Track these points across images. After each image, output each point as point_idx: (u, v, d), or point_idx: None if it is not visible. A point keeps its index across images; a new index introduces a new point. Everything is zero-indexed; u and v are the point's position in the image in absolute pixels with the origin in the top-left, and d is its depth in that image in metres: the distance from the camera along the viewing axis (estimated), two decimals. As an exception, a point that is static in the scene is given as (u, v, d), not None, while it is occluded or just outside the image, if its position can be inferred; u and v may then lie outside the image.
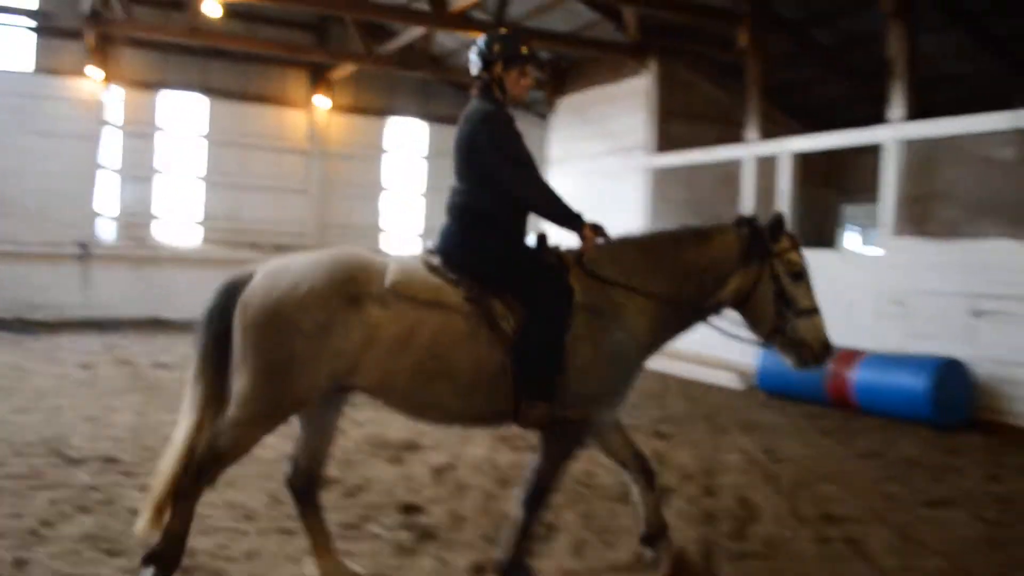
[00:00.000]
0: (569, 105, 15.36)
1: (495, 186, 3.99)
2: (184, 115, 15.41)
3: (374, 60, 14.52)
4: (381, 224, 17.33)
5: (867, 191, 9.85)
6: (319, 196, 16.44)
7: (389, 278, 3.76)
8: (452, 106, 17.62)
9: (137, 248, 14.92)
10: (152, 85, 15.09)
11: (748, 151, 11.39)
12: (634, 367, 4.03)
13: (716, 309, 4.14)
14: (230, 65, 15.42)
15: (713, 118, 13.47)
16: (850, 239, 16.74)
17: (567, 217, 3.97)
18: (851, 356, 8.31)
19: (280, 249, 15.71)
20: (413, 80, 16.35)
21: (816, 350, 3.97)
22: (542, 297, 3.83)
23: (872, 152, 9.68)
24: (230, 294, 3.80)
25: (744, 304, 4.07)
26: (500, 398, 3.79)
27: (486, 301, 3.82)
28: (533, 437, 6.77)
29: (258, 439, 3.78)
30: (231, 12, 12.64)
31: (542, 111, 16.66)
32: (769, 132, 11.65)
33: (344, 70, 15.62)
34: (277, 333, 3.61)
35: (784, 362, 4.10)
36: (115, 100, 14.74)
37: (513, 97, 4.16)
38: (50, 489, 5.13)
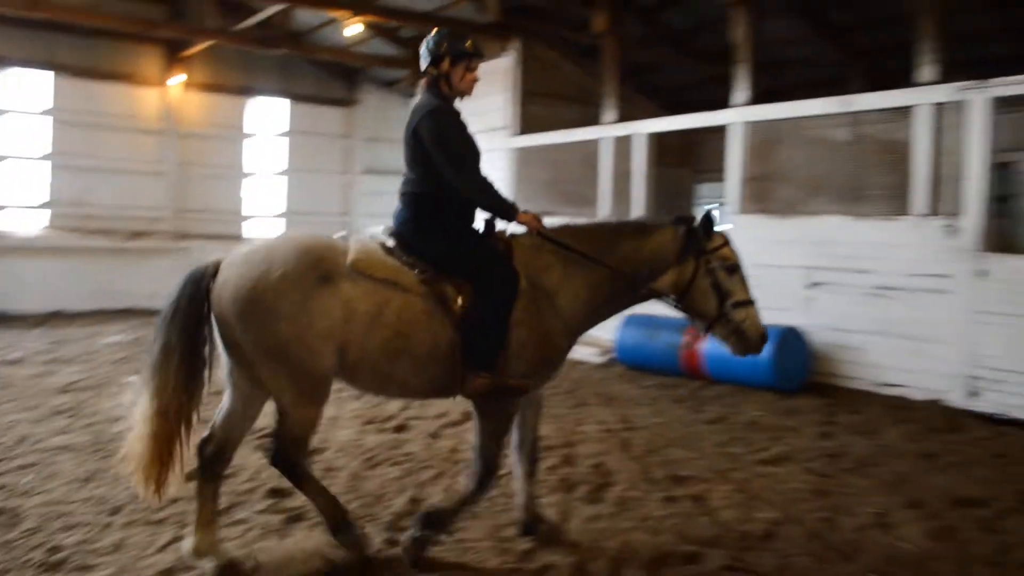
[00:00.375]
0: (433, 85, 15.38)
1: (441, 175, 4.22)
2: (28, 93, 14.50)
3: (231, 36, 14.12)
4: (244, 207, 16.93)
5: (719, 170, 10.37)
6: (176, 179, 15.83)
7: (350, 256, 4.01)
8: (314, 84, 17.36)
9: (-25, 236, 14.08)
10: (-10, 61, 14.22)
11: (606, 132, 11.76)
12: (553, 352, 4.29)
13: (649, 295, 4.46)
14: (78, 40, 14.53)
15: (574, 98, 13.80)
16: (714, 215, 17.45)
17: (501, 207, 4.24)
18: (701, 328, 8.78)
19: (135, 236, 15.23)
20: (273, 57, 15.98)
21: (753, 339, 4.33)
22: (489, 279, 4.10)
23: (722, 132, 10.19)
24: (194, 284, 3.96)
25: (684, 296, 4.40)
26: (449, 372, 4.08)
27: (438, 283, 4.08)
28: (398, 420, 6.97)
29: (317, 415, 4.04)
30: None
31: (407, 91, 16.62)
32: (627, 113, 12.05)
33: (200, 46, 15.01)
34: (261, 321, 3.81)
35: (725, 349, 4.47)
36: (-52, 78, 13.82)
37: (459, 91, 4.40)
38: None
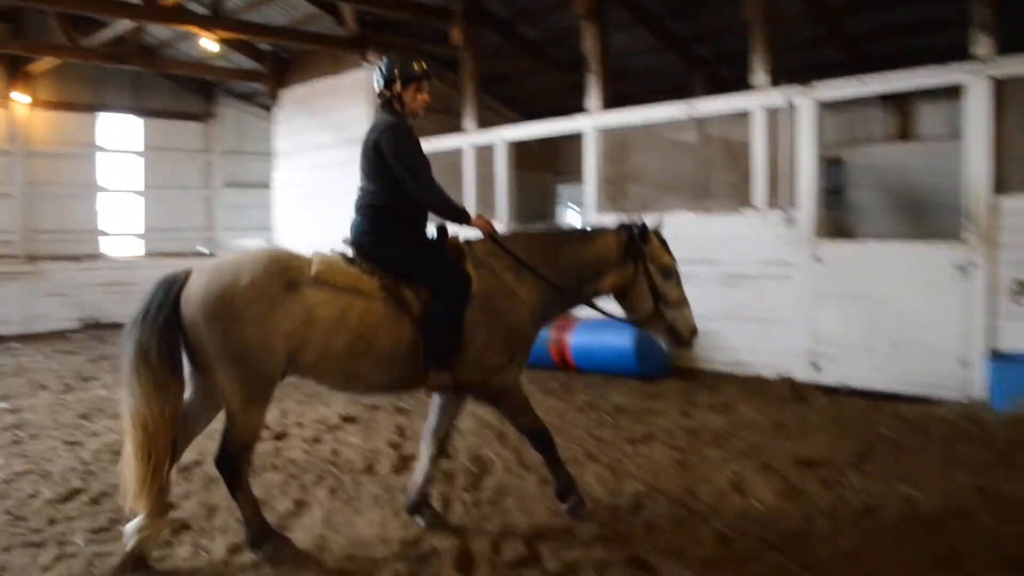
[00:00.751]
0: (293, 97, 15.34)
1: (398, 187, 4.53)
2: None
3: (79, 52, 13.67)
4: (99, 226, 16.39)
5: (578, 173, 10.83)
6: (24, 199, 15.24)
7: (314, 268, 4.29)
8: (170, 99, 16.99)
9: None
10: None
11: (467, 140, 12.08)
12: (524, 341, 4.66)
13: (595, 296, 4.82)
14: (-89, 58, 13.87)
15: (435, 109, 14.00)
16: (570, 216, 17.97)
17: (456, 213, 4.59)
18: (567, 322, 9.21)
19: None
20: (125, 73, 15.57)
21: (685, 336, 4.74)
22: (444, 283, 4.43)
23: (579, 138, 10.66)
24: (165, 289, 4.17)
25: (623, 296, 4.79)
26: (412, 369, 4.41)
27: (397, 288, 4.40)
28: (277, 428, 7.04)
29: (261, 418, 4.29)
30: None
31: (265, 103, 16.50)
32: (488, 121, 12.41)
33: (46, 63, 14.51)
34: (227, 326, 4.03)
35: (659, 344, 4.91)
36: None
37: (411, 111, 4.73)
38: None
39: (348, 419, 7.36)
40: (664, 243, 4.82)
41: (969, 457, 5.81)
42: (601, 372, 9.09)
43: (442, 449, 4.87)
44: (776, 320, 8.61)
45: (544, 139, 12.63)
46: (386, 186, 4.58)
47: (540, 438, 4.72)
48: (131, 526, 4.15)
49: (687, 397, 8.05)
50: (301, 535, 4.60)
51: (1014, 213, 7.23)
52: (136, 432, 4.03)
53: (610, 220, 9.76)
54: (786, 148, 8.67)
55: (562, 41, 13.44)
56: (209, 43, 13.05)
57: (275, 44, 14.69)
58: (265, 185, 16.69)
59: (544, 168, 16.34)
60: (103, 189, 16.44)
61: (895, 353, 7.82)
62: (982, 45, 7.51)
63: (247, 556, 4.30)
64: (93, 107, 16.12)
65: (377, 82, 4.74)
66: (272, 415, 7.49)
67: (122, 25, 12.86)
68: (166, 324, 4.09)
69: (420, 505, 4.77)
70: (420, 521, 4.71)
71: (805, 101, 8.48)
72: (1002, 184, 7.32)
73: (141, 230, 16.90)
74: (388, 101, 4.73)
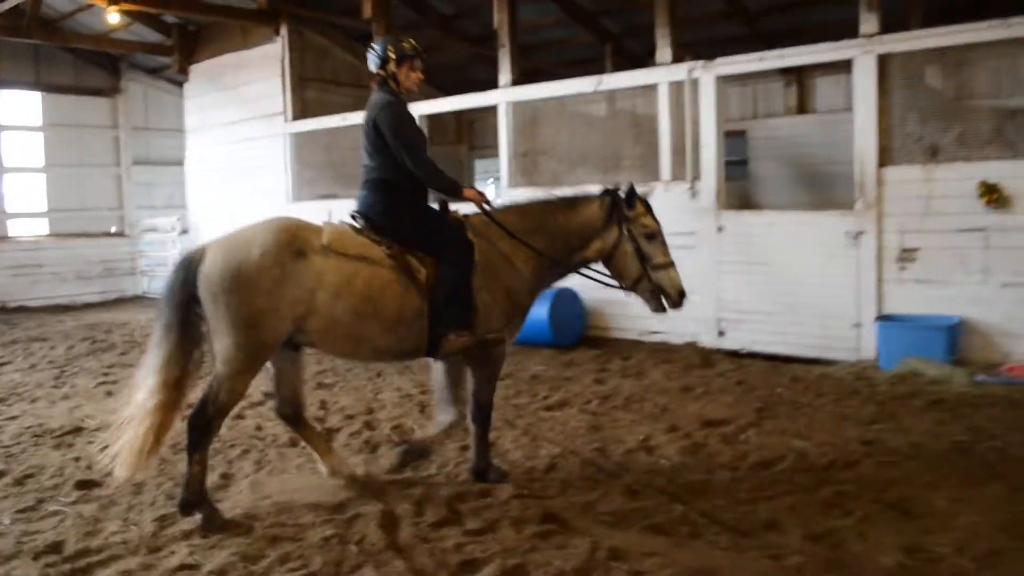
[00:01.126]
0: (203, 71, 15.09)
1: (397, 161, 4.76)
2: None
3: (-27, 26, 13.19)
4: (4, 207, 15.85)
5: (493, 146, 11.01)
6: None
7: (324, 238, 4.55)
8: (72, 75, 16.47)
9: None
10: None
11: (382, 115, 12.09)
12: (520, 308, 4.95)
13: (584, 263, 5.03)
14: None
15: (347, 83, 14.05)
16: (487, 189, 18.14)
17: (448, 185, 4.85)
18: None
19: None
20: (24, 47, 15.03)
21: (673, 297, 4.89)
22: (450, 250, 4.70)
23: (493, 111, 10.84)
24: (185, 269, 4.49)
25: (608, 260, 4.97)
26: (416, 336, 4.68)
27: (403, 255, 4.66)
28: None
29: (247, 386, 4.58)
30: None
31: (175, 78, 16.16)
32: (401, 95, 12.43)
33: (-64, 37, 13.94)
34: (241, 294, 4.32)
35: (647, 307, 4.98)
36: None
37: (405, 88, 4.96)
38: None
39: (270, 395, 7.42)
40: (648, 207, 4.97)
41: (857, 412, 6.29)
42: (519, 343, 9.33)
43: (463, 415, 5.12)
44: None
45: (458, 112, 12.77)
46: (387, 160, 4.82)
47: (484, 411, 4.99)
48: (324, 470, 4.96)
49: (600, 364, 8.40)
50: (229, 505, 4.74)
51: (897, 183, 7.73)
52: (156, 396, 4.42)
53: (522, 194, 10.13)
54: (690, 122, 9.02)
55: (473, 14, 13.55)
56: (111, 15, 12.72)
57: (181, 16, 14.38)
58: (177, 162, 16.40)
59: (458, 141, 16.48)
60: (6, 169, 15.87)
61: (794, 318, 8.30)
62: (869, 23, 7.95)
63: (177, 528, 4.43)
64: (-10, 83, 15.55)
65: (373, 62, 4.96)
66: (194, 394, 7.52)
67: (19, -4, 12.45)
68: (185, 301, 4.44)
69: (410, 450, 5.12)
70: (393, 459, 5.13)
71: (707, 76, 8.84)
72: (886, 156, 7.82)
73: (45, 209, 16.39)
74: (384, 80, 4.95)
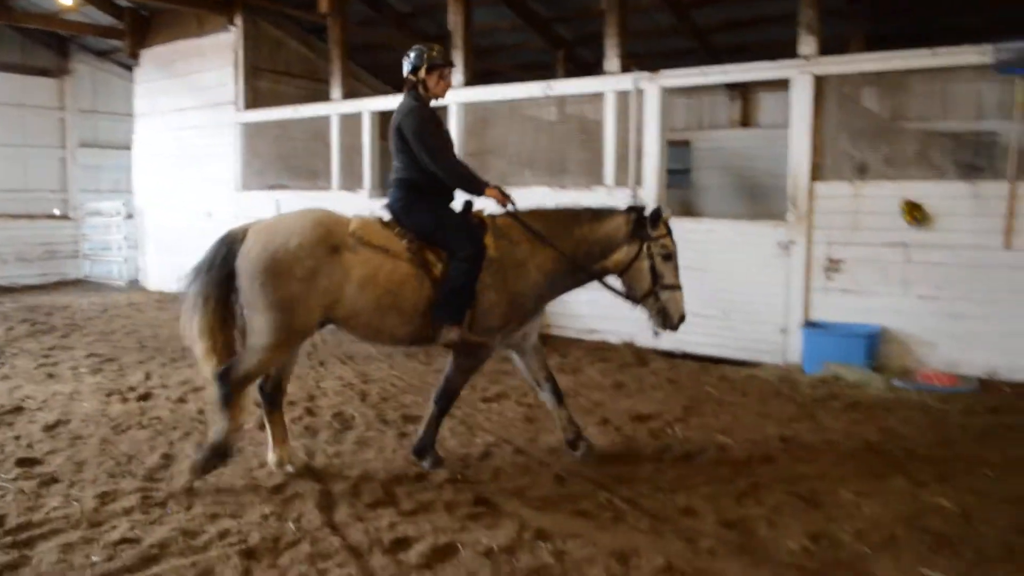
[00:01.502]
0: (154, 57, 14.98)
1: (420, 162, 5.06)
2: None
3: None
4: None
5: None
6: None
7: (351, 226, 4.92)
8: (20, 53, 16.24)
9: None
10: None
11: (335, 109, 12.22)
12: (522, 311, 5.15)
13: (603, 272, 5.23)
14: None
15: (301, 75, 14.10)
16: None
17: (470, 185, 5.11)
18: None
19: None
20: (-31, 24, 14.79)
21: (674, 320, 5.15)
22: (461, 248, 4.92)
23: (443, 110, 11.00)
24: (228, 246, 4.86)
25: (623, 273, 5.18)
26: (429, 325, 4.96)
27: (421, 250, 4.98)
28: (141, 389, 7.17)
29: (275, 362, 4.92)
30: None
31: (125, 62, 16.02)
32: (355, 88, 12.58)
33: None
34: (277, 279, 4.67)
35: (650, 322, 5.25)
36: None
37: (433, 94, 5.25)
38: None
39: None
40: (669, 229, 5.22)
41: (778, 412, 6.63)
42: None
43: (555, 392, 5.48)
44: (623, 290, 9.27)
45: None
46: (410, 161, 5.12)
47: (449, 396, 5.27)
48: (272, 459, 5.12)
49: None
50: (170, 486, 4.87)
51: (827, 198, 8.11)
52: (209, 361, 4.89)
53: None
54: (634, 130, 9.31)
55: (428, 14, 13.73)
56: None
57: (136, 1, 14.29)
58: (125, 146, 16.25)
59: (411, 139, 16.53)
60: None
61: (726, 321, 8.64)
62: (807, 44, 8.32)
63: (118, 504, 4.56)
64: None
65: (406, 67, 5.24)
66: (136, 377, 7.66)
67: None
68: (224, 277, 4.81)
69: (573, 441, 5.43)
70: (577, 454, 5.40)
71: (652, 87, 9.14)
72: (818, 171, 8.20)
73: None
74: (413, 85, 5.24)
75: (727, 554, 4.02)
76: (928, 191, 7.68)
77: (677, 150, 12.51)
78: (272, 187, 13.02)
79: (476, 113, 10.73)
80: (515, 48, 14.53)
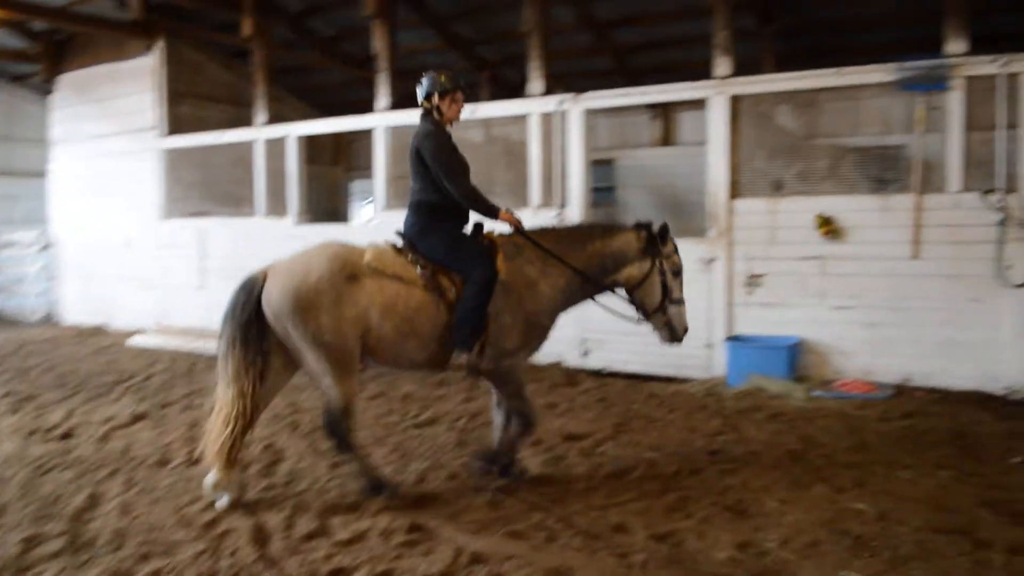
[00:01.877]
0: (72, 82, 14.63)
1: (438, 186, 5.16)
2: None
3: None
4: None
5: (369, 168, 11.16)
6: None
7: (367, 256, 5.07)
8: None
9: None
10: None
11: (259, 134, 12.12)
12: (540, 329, 5.29)
13: (614, 286, 5.40)
14: None
15: (223, 99, 13.94)
16: (364, 211, 18.09)
17: (486, 209, 5.21)
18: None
19: None
20: None
21: (679, 333, 5.42)
22: (473, 272, 5.05)
23: (370, 133, 11.02)
24: (249, 291, 5.04)
25: (635, 288, 5.37)
26: (447, 350, 5.11)
27: (435, 276, 5.10)
28: (63, 428, 7.00)
29: (355, 385, 5.04)
30: None
31: (40, 86, 15.61)
32: (279, 112, 12.49)
33: None
34: (306, 315, 4.85)
35: (656, 336, 5.48)
36: None
37: (448, 119, 5.37)
38: None
39: (139, 417, 7.42)
40: (675, 245, 5.45)
41: (704, 425, 6.81)
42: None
43: (509, 416, 5.45)
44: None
45: (335, 134, 12.86)
46: (428, 185, 5.24)
47: (525, 422, 5.33)
48: (208, 478, 5.03)
49: (469, 384, 8.66)
50: (97, 526, 4.78)
51: (746, 214, 8.38)
52: (231, 403, 4.94)
53: (396, 216, 10.34)
54: (559, 151, 9.47)
55: (353, 37, 13.74)
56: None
57: (50, 26, 13.95)
58: (39, 174, 15.80)
59: (335, 162, 16.54)
60: None
61: (652, 339, 8.67)
62: (723, 66, 8.60)
63: (44, 548, 4.46)
64: None
65: (420, 94, 5.37)
66: (57, 415, 7.48)
67: None
68: (248, 320, 4.97)
69: (507, 466, 5.44)
70: (512, 477, 5.43)
71: (575, 108, 9.33)
72: (736, 188, 8.46)
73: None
74: (428, 111, 5.36)
75: (658, 567, 4.13)
76: (840, 205, 8.00)
77: (602, 169, 12.73)
78: (195, 214, 12.83)
79: (402, 136, 10.75)
80: (439, 70, 14.59)
